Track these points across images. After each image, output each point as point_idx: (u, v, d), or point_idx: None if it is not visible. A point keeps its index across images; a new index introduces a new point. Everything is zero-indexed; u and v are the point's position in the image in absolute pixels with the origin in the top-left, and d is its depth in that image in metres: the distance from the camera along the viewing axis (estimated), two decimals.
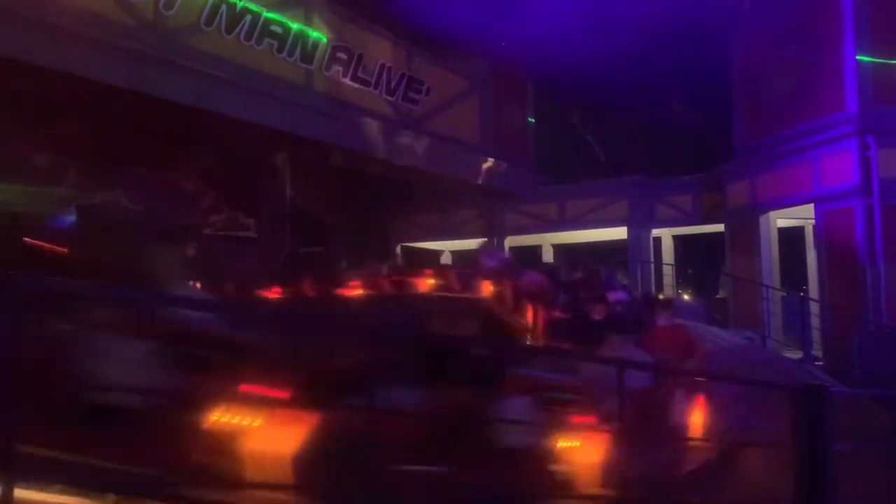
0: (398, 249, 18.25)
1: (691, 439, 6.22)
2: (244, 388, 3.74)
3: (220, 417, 3.58)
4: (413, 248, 18.56)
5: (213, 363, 3.75)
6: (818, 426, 4.18)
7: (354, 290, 7.65)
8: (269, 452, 3.64)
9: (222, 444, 3.53)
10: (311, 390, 3.85)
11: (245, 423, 3.61)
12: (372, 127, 13.21)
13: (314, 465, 3.66)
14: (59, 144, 12.24)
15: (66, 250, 5.59)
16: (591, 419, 4.96)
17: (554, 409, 4.94)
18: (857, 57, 11.85)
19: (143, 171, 13.33)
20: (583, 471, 4.68)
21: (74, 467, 3.19)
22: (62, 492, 2.86)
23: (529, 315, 7.99)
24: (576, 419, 4.94)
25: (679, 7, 16.77)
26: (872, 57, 11.82)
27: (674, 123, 19.65)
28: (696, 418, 6.52)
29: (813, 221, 13.28)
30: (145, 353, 3.57)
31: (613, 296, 8.85)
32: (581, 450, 4.75)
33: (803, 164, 12.83)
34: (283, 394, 3.77)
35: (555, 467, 4.67)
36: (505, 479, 4.28)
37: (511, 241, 17.84)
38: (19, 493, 2.48)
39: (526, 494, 4.38)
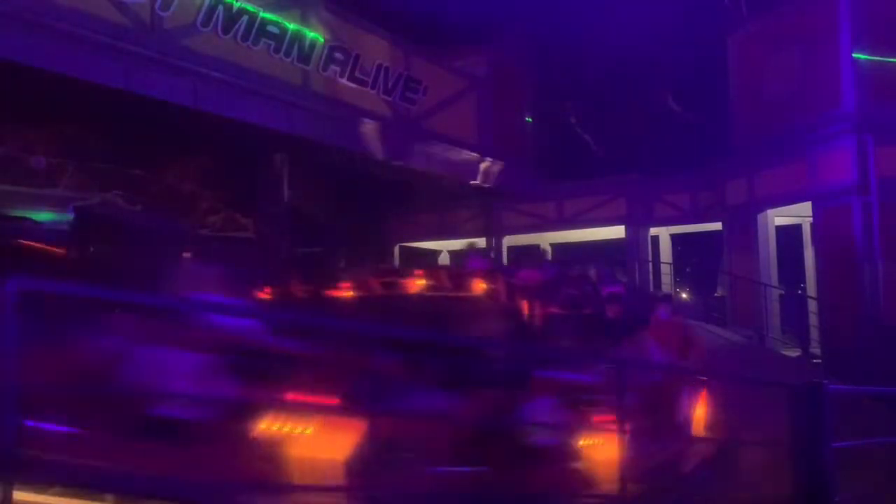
0: (396, 249, 18.25)
1: (696, 434, 6.29)
2: (292, 396, 3.79)
3: (269, 426, 3.63)
4: (411, 248, 18.55)
5: (265, 373, 3.81)
6: (817, 424, 4.19)
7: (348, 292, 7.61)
8: (320, 459, 3.69)
9: (272, 451, 3.58)
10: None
11: (296, 431, 3.66)
12: (369, 127, 13.21)
13: (362, 470, 3.72)
14: (56, 146, 12.24)
15: (63, 251, 5.58)
16: (610, 417, 5.05)
17: (578, 408, 5.08)
18: (854, 55, 11.87)
19: (140, 173, 13.32)
20: (601, 467, 4.78)
21: (75, 468, 3.20)
22: (62, 493, 2.86)
23: (525, 311, 7.97)
24: (596, 418, 5.04)
25: (677, 4, 16.81)
26: (869, 54, 11.83)
27: (671, 121, 19.70)
28: (700, 414, 6.60)
29: (811, 219, 13.29)
30: (199, 365, 3.64)
31: (611, 288, 8.87)
32: (600, 447, 4.86)
33: (801, 162, 12.82)
34: (333, 400, 3.83)
35: (578, 465, 4.81)
36: (531, 478, 4.41)
37: (509, 241, 17.82)
38: (19, 494, 2.48)
39: (552, 492, 4.52)
